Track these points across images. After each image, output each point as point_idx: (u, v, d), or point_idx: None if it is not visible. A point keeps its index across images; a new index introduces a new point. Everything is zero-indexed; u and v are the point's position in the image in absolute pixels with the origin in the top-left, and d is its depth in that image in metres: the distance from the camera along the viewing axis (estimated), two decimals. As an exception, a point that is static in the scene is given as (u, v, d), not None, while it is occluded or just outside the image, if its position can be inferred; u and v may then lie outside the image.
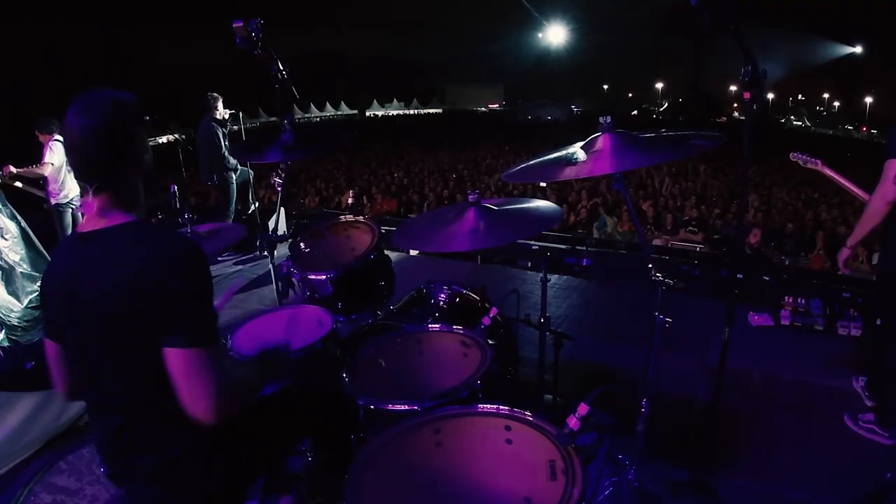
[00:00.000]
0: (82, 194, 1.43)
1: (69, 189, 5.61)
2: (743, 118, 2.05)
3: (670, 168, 13.17)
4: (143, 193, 1.48)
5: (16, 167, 5.37)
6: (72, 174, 5.65)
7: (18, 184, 5.57)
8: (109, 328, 1.35)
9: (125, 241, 1.37)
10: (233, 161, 5.88)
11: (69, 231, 5.67)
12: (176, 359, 1.33)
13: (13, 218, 4.44)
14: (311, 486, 2.12)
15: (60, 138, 5.59)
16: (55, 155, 5.43)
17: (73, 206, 5.72)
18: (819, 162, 3.36)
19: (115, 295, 1.32)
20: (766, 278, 4.85)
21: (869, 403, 3.18)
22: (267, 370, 1.76)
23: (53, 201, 5.54)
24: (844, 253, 3.03)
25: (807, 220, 9.04)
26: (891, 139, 2.74)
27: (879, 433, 2.94)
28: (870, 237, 2.94)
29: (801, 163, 3.47)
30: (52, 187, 5.50)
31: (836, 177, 3.27)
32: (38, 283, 4.38)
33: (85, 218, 1.43)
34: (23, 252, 4.38)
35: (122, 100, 1.39)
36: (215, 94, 5.85)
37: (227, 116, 5.94)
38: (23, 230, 4.48)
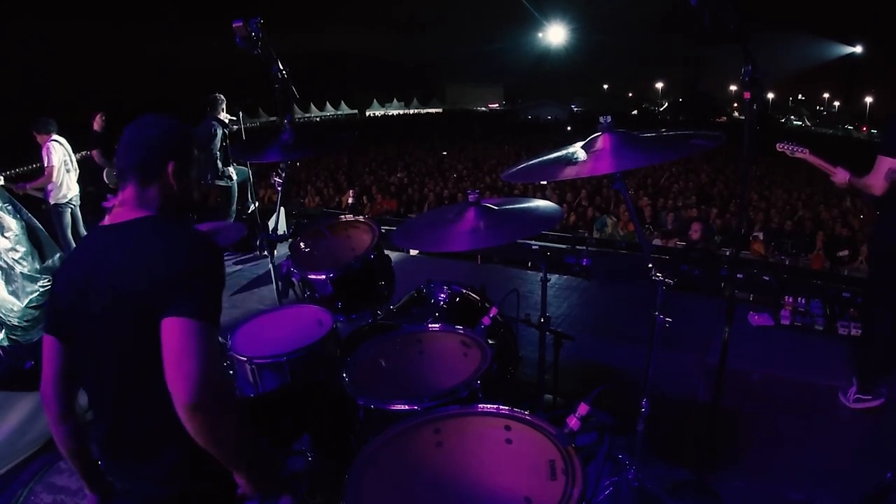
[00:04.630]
0: (118, 191, 1.55)
1: (67, 188, 5.61)
2: (743, 118, 2.05)
3: (670, 168, 13.17)
4: (177, 199, 1.56)
5: (26, 182, 5.41)
6: (70, 174, 5.65)
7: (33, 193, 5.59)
8: (120, 309, 1.39)
9: (145, 231, 1.47)
10: (221, 167, 5.87)
11: (69, 231, 5.66)
12: (171, 328, 1.33)
13: (15, 215, 4.41)
14: (311, 486, 2.12)
15: (58, 138, 5.58)
16: (55, 155, 5.42)
17: (73, 206, 5.72)
18: (807, 151, 3.34)
19: (128, 276, 1.39)
20: (766, 278, 4.84)
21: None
22: None
23: (52, 201, 5.53)
24: (842, 175, 3.08)
25: (806, 220, 9.03)
26: (887, 134, 2.78)
27: (865, 399, 2.99)
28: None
29: (788, 152, 3.41)
30: (50, 186, 5.50)
31: (825, 165, 3.26)
32: (39, 283, 4.37)
33: (112, 212, 1.53)
34: (23, 251, 4.36)
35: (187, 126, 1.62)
36: (221, 97, 5.85)
37: (227, 122, 5.94)
38: (26, 226, 4.45)
